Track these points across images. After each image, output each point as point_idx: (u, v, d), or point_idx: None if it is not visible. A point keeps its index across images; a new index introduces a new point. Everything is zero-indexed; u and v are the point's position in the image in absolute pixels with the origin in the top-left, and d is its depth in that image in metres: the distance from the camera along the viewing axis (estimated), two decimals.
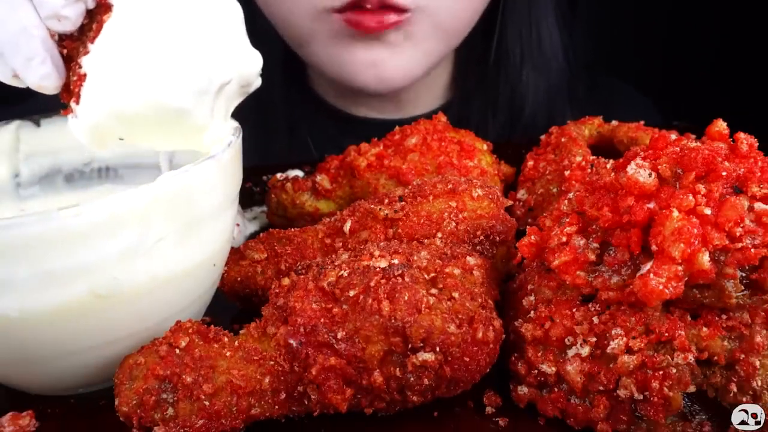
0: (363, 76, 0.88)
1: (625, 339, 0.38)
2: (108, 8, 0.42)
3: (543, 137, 0.72)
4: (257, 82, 0.48)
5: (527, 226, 0.46)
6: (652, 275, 0.35)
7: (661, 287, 0.35)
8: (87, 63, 0.42)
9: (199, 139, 0.46)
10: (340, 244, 0.51)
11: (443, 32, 0.88)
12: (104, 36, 0.41)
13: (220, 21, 0.45)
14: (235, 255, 0.54)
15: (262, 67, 0.48)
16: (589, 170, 0.58)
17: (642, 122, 0.70)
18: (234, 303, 0.55)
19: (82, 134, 0.43)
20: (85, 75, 0.42)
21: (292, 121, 1.05)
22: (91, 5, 0.42)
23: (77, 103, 0.42)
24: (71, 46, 0.43)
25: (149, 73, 0.41)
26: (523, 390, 0.42)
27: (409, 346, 0.37)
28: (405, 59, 0.87)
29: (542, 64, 1.02)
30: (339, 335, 0.38)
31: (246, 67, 0.46)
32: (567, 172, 0.60)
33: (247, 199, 0.79)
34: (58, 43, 0.43)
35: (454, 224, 0.48)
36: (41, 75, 0.43)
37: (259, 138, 0.93)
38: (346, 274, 0.40)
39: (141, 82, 0.41)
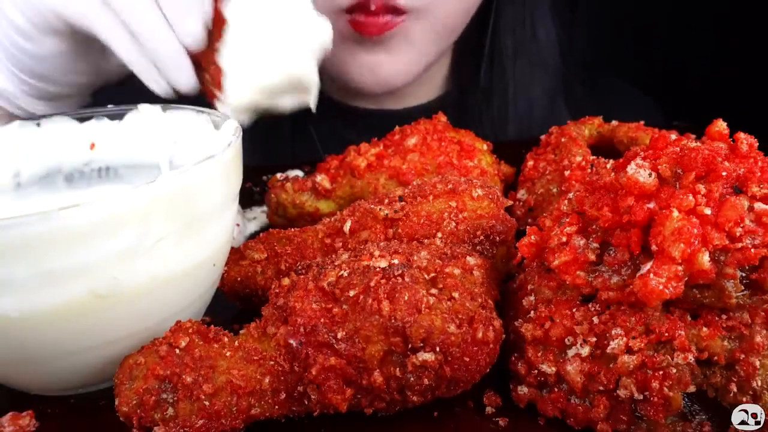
0: (362, 78, 0.91)
1: (625, 339, 0.38)
2: (222, 19, 0.57)
3: (543, 137, 0.72)
4: (328, 44, 0.62)
5: (527, 226, 0.46)
6: (652, 275, 0.35)
7: (661, 287, 0.35)
8: (222, 60, 0.56)
9: (310, 95, 0.61)
10: (340, 244, 0.51)
11: (439, 33, 0.90)
12: (230, 39, 0.56)
13: (298, 1, 0.59)
14: (235, 255, 0.54)
15: None
16: (589, 170, 0.58)
17: (642, 122, 0.70)
18: (234, 303, 0.55)
19: (230, 112, 0.58)
20: (222, 70, 0.56)
21: (295, 112, 1.07)
22: (210, 25, 0.57)
23: (221, 91, 0.57)
24: (195, 55, 0.58)
25: (274, 54, 0.57)
26: (523, 390, 0.42)
27: (409, 346, 0.37)
28: (403, 62, 0.90)
29: (536, 59, 1.03)
30: (339, 335, 0.38)
31: (324, 31, 0.61)
32: (567, 172, 0.60)
33: (247, 199, 0.79)
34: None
35: (454, 224, 0.48)
36: (189, 82, 0.58)
37: (263, 132, 0.94)
38: (346, 274, 0.40)
39: (271, 61, 0.57)
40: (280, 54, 0.57)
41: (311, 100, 0.62)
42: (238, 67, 0.57)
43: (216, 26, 0.58)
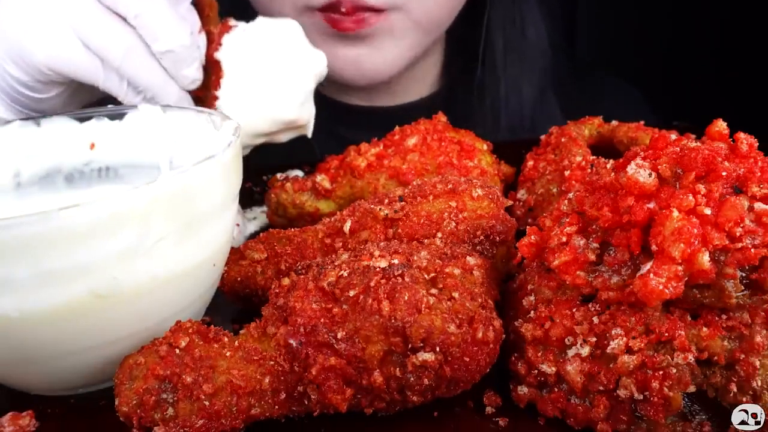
0: (346, 71, 0.92)
1: (625, 339, 0.38)
2: (218, 65, 0.62)
3: (543, 137, 0.72)
4: (325, 72, 0.67)
5: (527, 226, 0.46)
6: (652, 275, 0.35)
7: (661, 287, 0.35)
8: (221, 103, 0.63)
9: (306, 130, 0.67)
10: (340, 244, 0.51)
11: (422, 27, 0.91)
12: (225, 88, 0.62)
13: (289, 39, 0.64)
14: (235, 255, 0.54)
15: None
16: (589, 170, 0.58)
17: (642, 122, 0.70)
18: (234, 303, 0.55)
19: None
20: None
21: None
22: (203, 63, 0.63)
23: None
24: (195, 93, 0.64)
25: (269, 102, 0.63)
26: (523, 390, 0.42)
27: (409, 346, 0.37)
28: (385, 55, 0.92)
29: (526, 55, 1.04)
30: (339, 335, 0.38)
31: (318, 66, 0.65)
32: (567, 172, 0.60)
33: (247, 199, 0.79)
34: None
35: (454, 224, 0.48)
36: None
37: None
38: (346, 274, 0.40)
39: (266, 111, 0.63)
40: (274, 102, 0.63)
41: (308, 132, 0.68)
42: (234, 116, 0.58)
43: (213, 72, 0.62)
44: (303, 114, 0.65)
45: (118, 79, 0.59)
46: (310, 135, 0.67)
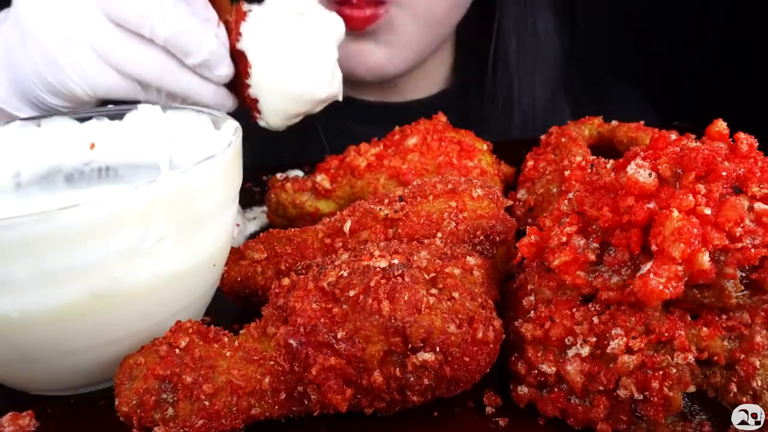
0: (351, 66, 0.93)
1: (625, 339, 0.38)
2: (242, 55, 0.63)
3: (543, 137, 0.72)
4: (344, 34, 0.67)
5: (527, 226, 0.46)
6: (652, 275, 0.35)
7: (661, 287, 0.35)
8: (253, 91, 0.64)
9: (339, 95, 0.68)
10: (340, 244, 0.51)
11: (424, 23, 0.92)
12: (253, 74, 0.63)
13: (305, 13, 0.64)
14: (235, 255, 0.54)
15: None
16: (589, 170, 0.58)
17: (642, 122, 0.70)
18: (234, 303, 0.55)
19: (267, 126, 0.68)
20: (256, 99, 0.64)
21: None
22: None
23: (258, 114, 0.66)
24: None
25: (296, 86, 0.64)
26: (523, 390, 0.42)
27: (409, 346, 0.37)
28: (389, 51, 0.93)
29: (538, 55, 1.05)
30: (339, 335, 0.38)
31: (337, 31, 0.66)
32: (567, 172, 0.60)
33: (247, 199, 0.79)
34: None
35: (454, 224, 0.48)
36: (232, 106, 0.66)
37: (264, 131, 0.96)
38: (346, 274, 0.40)
39: (294, 93, 0.64)
40: (306, 86, 0.64)
41: (339, 96, 0.69)
42: (268, 100, 0.65)
43: (240, 62, 0.63)
44: (333, 87, 0.66)
45: (156, 93, 0.62)
46: (341, 98, 0.68)
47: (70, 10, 0.57)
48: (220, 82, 0.64)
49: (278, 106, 0.65)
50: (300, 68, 0.64)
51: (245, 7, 0.65)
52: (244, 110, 0.67)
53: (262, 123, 0.68)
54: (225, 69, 0.62)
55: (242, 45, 0.63)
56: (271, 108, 0.65)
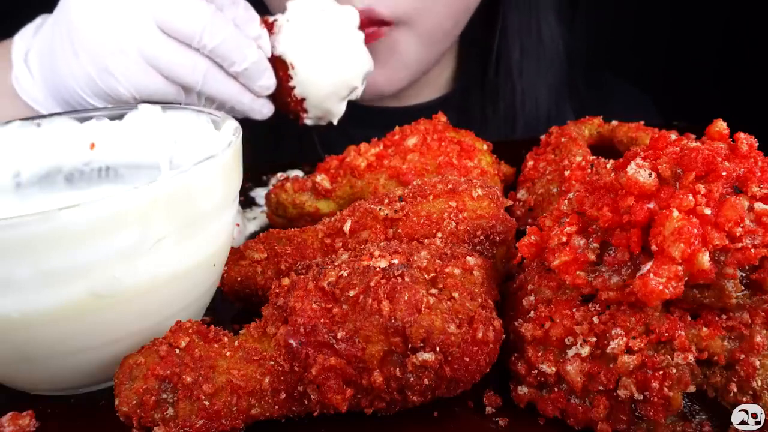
0: None
1: (625, 339, 0.38)
2: (280, 60, 0.68)
3: (543, 137, 0.72)
4: (358, 21, 0.73)
5: (527, 226, 0.46)
6: (652, 275, 0.35)
7: (661, 287, 0.35)
8: (299, 90, 0.70)
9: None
10: (340, 244, 0.51)
11: (426, 42, 0.91)
12: (294, 76, 0.69)
13: (323, 9, 0.70)
14: (235, 255, 0.54)
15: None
16: (589, 170, 0.58)
17: (642, 122, 0.70)
18: (234, 303, 0.55)
19: (315, 122, 0.75)
20: (303, 99, 0.71)
21: None
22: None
23: (304, 112, 0.72)
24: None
25: (339, 70, 0.70)
26: (523, 390, 0.42)
27: (409, 346, 0.37)
28: (389, 71, 0.92)
29: (542, 59, 1.04)
30: (339, 335, 0.38)
31: (354, 18, 0.72)
32: (567, 172, 0.60)
33: (248, 199, 0.79)
34: None
35: (454, 224, 0.48)
36: (270, 113, 0.72)
37: (264, 131, 0.96)
38: (346, 274, 0.40)
39: (339, 76, 0.70)
40: (343, 75, 0.71)
41: (372, 67, 0.75)
42: (315, 93, 0.70)
43: (279, 68, 0.69)
44: (367, 63, 0.73)
45: (197, 97, 0.66)
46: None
47: (122, 19, 0.60)
48: (261, 94, 0.68)
49: (326, 95, 0.70)
50: (337, 56, 0.69)
51: (270, 18, 0.69)
52: (283, 115, 0.72)
53: (309, 121, 0.73)
54: (266, 80, 0.67)
55: (278, 50, 0.68)
56: (318, 99, 0.71)
